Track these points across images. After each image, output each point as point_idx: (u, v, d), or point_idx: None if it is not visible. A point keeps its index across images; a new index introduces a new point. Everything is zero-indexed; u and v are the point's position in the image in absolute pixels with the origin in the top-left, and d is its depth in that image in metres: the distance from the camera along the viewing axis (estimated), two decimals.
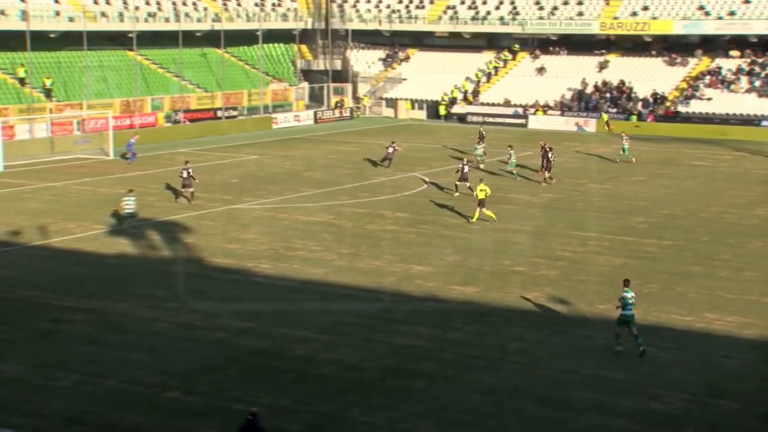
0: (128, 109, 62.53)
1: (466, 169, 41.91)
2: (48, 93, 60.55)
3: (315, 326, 24.49)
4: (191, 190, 40.40)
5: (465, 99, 76.00)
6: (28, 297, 26.78)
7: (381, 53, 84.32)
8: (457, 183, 41.96)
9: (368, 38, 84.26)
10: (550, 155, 45.75)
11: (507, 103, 73.81)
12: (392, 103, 78.72)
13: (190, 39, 70.78)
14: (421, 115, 76.83)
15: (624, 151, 52.89)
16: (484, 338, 23.83)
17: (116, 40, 69.10)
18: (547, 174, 45.41)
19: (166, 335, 23.81)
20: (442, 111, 75.24)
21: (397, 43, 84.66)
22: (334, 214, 38.45)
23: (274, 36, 79.63)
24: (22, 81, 60.39)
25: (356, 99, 79.61)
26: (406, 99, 78.01)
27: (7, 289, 27.45)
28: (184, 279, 28.89)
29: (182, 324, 24.66)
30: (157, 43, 71.94)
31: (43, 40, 62.08)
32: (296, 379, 21.09)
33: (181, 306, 25.98)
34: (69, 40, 63.84)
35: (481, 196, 36.27)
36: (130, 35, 64.99)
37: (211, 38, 73.00)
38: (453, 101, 75.89)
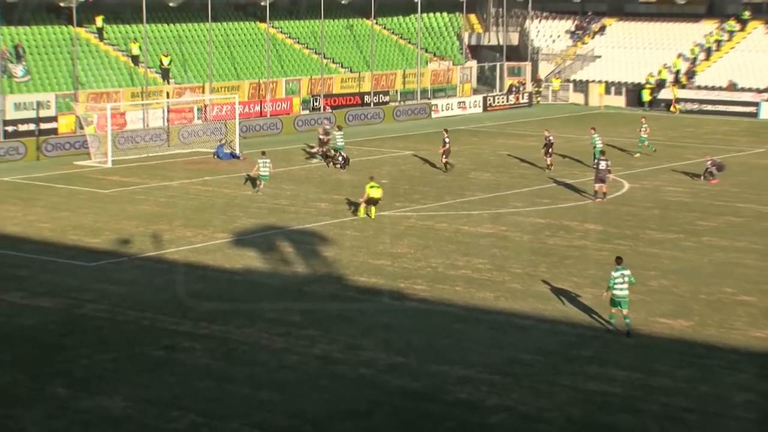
0: (258, 93, 64.20)
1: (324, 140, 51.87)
2: (165, 74, 62.79)
3: (481, 364, 24.43)
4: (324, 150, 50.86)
5: (676, 81, 74.43)
6: (138, 319, 27.70)
7: (569, 24, 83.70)
8: (318, 154, 52.01)
9: (553, 5, 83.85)
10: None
11: (731, 87, 71.83)
12: (582, 86, 77.95)
13: (333, 8, 72.20)
14: (619, 101, 75.76)
15: (642, 140, 53.70)
16: (700, 386, 23.22)
17: (246, 9, 71.25)
18: (548, 160, 49.25)
19: (300, 370, 24.19)
20: (646, 97, 73.99)
21: (589, 11, 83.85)
22: (506, 224, 38.33)
23: (435, 4, 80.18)
24: (135, 59, 62.79)
25: (536, 82, 79.20)
26: (600, 81, 77.07)
27: (114, 310, 28.49)
28: (322, 301, 29.37)
29: (319, 356, 25.01)
30: (294, 14, 73.69)
31: (160, 11, 64.61)
32: (457, 429, 21.07)
33: (318, 334, 26.37)
34: (191, 10, 66.20)
35: (378, 195, 38.91)
36: (263, 3, 66.68)
37: (359, 7, 74.11)
38: (661, 84, 74.47)
